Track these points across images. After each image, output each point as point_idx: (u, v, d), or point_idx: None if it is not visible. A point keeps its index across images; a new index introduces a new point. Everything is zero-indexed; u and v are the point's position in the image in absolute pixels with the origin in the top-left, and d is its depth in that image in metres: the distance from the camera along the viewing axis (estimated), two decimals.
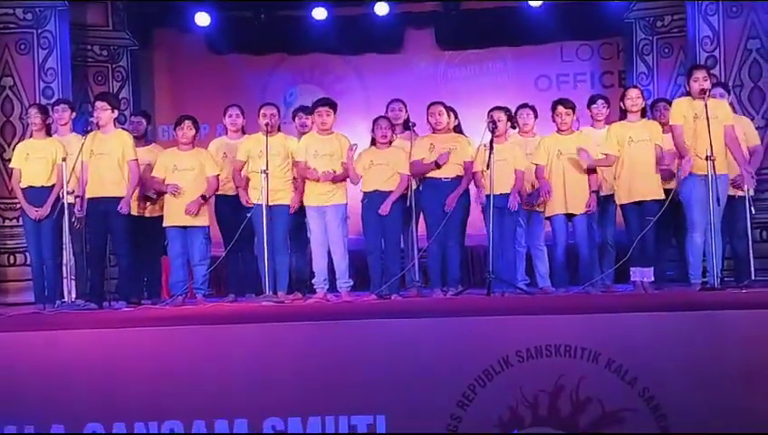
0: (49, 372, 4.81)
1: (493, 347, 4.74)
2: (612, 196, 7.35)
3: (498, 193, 7.04)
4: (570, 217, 7.26)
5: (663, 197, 7.00)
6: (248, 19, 10.58)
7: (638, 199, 7.04)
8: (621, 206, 7.18)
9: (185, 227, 7.35)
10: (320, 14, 10.37)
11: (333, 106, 7.39)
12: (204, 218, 7.42)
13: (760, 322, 4.76)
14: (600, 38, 10.74)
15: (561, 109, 7.32)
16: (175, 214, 7.34)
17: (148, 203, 7.68)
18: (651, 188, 7.04)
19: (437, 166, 7.30)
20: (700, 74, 6.84)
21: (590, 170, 7.24)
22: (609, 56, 10.78)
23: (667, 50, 9.83)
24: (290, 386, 4.77)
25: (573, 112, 7.36)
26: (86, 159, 7.11)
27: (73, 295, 7.18)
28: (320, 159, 7.29)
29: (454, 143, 7.39)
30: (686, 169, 6.73)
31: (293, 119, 8.14)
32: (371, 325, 4.91)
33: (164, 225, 7.40)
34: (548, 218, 7.38)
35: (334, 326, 4.93)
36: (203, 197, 7.32)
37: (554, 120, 7.38)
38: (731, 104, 7.39)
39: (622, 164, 7.11)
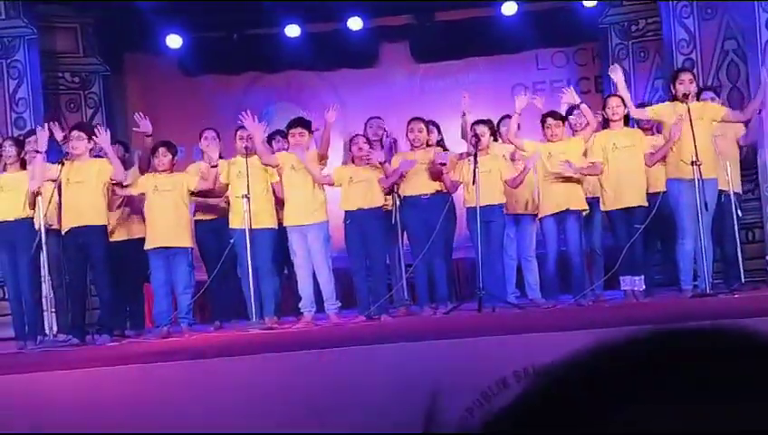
0: (32, 415, 4.68)
1: (489, 368, 4.63)
2: (597, 201, 7.27)
3: (484, 205, 6.95)
4: (561, 218, 7.16)
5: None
6: (220, 39, 10.48)
7: (624, 206, 6.98)
8: (608, 212, 7.11)
9: (167, 249, 7.16)
10: (293, 31, 10.27)
11: (306, 126, 7.27)
12: (187, 239, 7.24)
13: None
14: (575, 44, 10.70)
15: (550, 121, 7.22)
16: (157, 235, 7.15)
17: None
18: (638, 195, 6.98)
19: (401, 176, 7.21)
20: (686, 77, 6.81)
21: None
22: (584, 62, 10.74)
23: (642, 54, 9.77)
24: (279, 417, 4.65)
25: (563, 123, 7.27)
26: (62, 188, 6.97)
27: (55, 329, 7.00)
28: (296, 174, 7.17)
29: (429, 157, 7.31)
30: (679, 127, 6.65)
31: (270, 143, 7.98)
32: (362, 352, 4.81)
33: (146, 247, 7.19)
34: (540, 220, 7.28)
35: (324, 354, 4.82)
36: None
37: (544, 134, 7.28)
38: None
39: (608, 171, 7.05)
